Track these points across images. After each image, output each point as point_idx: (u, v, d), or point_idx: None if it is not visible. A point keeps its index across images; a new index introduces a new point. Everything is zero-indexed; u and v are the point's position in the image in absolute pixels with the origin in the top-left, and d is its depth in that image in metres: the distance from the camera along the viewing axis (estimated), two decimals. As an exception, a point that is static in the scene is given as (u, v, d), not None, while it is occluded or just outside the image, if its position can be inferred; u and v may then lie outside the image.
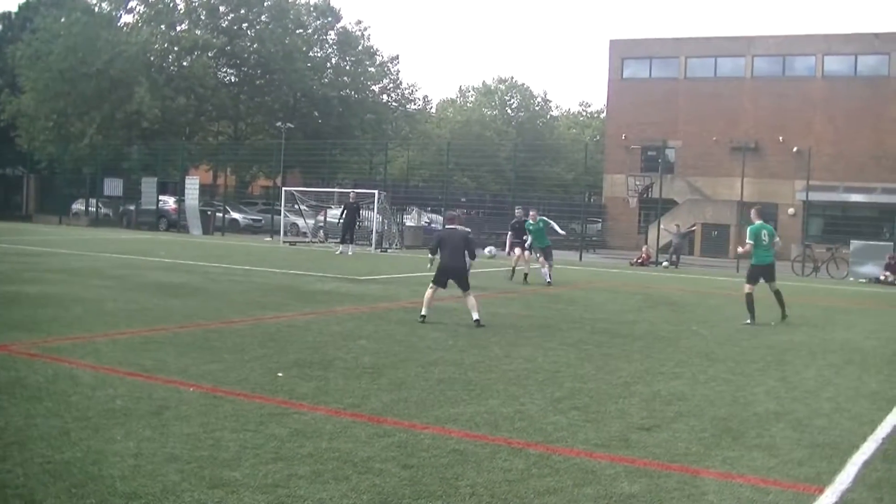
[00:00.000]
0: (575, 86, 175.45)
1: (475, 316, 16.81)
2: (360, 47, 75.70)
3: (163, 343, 13.36)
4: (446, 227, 18.48)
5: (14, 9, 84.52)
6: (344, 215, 39.58)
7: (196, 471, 7.21)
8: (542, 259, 28.15)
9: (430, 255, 17.94)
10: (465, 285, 17.26)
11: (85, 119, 65.51)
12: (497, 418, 9.41)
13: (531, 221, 28.06)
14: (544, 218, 28.69)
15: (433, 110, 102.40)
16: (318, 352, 13.04)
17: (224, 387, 10.36)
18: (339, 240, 40.64)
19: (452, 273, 17.23)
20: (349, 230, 39.02)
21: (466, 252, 17.51)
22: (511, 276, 28.40)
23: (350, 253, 37.88)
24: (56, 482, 6.85)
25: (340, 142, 62.67)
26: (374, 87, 77.61)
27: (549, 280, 27.39)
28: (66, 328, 14.61)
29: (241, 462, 7.49)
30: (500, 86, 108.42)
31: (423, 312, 17.03)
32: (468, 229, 19.49)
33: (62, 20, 67.02)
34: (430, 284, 17.38)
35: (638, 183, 61.75)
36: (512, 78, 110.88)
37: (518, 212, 29.80)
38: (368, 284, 24.30)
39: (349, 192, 42.39)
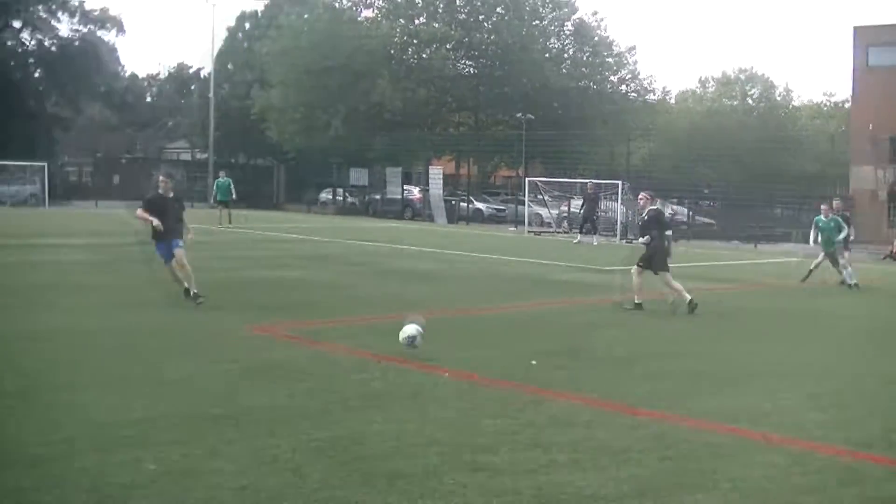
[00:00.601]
0: (817, 75, 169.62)
1: (670, 298, 16.72)
2: (596, 38, 75.11)
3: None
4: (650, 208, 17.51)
5: (260, 8, 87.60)
6: (583, 206, 39.54)
7: (456, 454, 7.33)
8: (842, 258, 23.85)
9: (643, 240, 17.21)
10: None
11: (330, 111, 67.17)
12: (754, 413, 9.20)
13: (823, 218, 23.93)
14: (836, 217, 23.81)
15: (672, 101, 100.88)
16: (567, 341, 13.04)
17: (478, 373, 10.49)
18: (579, 230, 40.53)
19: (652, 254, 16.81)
20: (588, 220, 38.94)
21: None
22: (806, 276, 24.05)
23: (594, 243, 37.72)
24: (322, 458, 7.11)
25: (581, 132, 62.40)
26: (612, 78, 76.87)
27: (852, 282, 23.31)
28: (323, 312, 15.11)
29: (500, 447, 7.56)
30: (741, 76, 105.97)
31: (636, 300, 16.77)
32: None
33: (305, 17, 68.97)
34: (636, 268, 17.06)
35: (887, 175, 59.27)
36: (752, 68, 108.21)
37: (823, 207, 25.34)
38: (614, 275, 24.14)
39: (587, 183, 42.22)
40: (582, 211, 39.84)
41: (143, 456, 6.98)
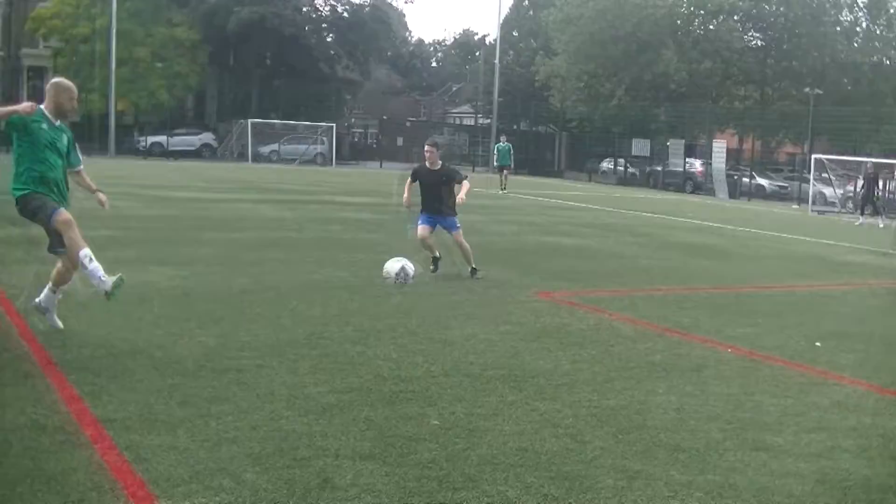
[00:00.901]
0: None
1: None
2: (892, 10, 71.76)
3: (697, 302, 13.43)
4: None
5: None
6: (863, 187, 38.00)
7: (738, 432, 7.17)
8: None
9: None
10: None
11: (614, 80, 66.90)
12: None
13: None
14: None
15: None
16: (857, 324, 12.53)
17: (761, 351, 10.24)
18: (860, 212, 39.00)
19: None
20: (868, 202, 37.39)
21: None
22: None
23: (880, 225, 36.21)
24: (602, 426, 7.09)
25: (871, 109, 59.93)
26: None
27: None
28: (604, 281, 15.11)
29: (783, 428, 7.35)
30: None
31: None
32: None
33: (592, -15, 68.81)
34: None
35: None
36: None
37: None
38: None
39: (866, 162, 40.45)
40: (861, 192, 38.36)
41: (427, 411, 7.15)
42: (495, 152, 41.42)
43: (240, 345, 8.89)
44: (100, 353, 8.29)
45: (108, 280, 8.49)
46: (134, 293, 11.00)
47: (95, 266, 8.45)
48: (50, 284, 9.00)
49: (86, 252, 8.43)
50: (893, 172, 42.78)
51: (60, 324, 9.07)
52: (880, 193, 39.32)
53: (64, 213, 8.46)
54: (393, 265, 12.31)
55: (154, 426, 6.42)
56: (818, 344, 10.84)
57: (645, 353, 9.67)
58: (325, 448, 6.19)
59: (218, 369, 7.99)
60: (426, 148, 14.44)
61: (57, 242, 8.67)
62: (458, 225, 14.50)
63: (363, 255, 15.66)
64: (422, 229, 14.30)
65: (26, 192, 8.53)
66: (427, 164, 14.44)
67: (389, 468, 5.91)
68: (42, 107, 8.75)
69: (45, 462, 5.66)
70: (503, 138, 43.15)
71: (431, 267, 14.49)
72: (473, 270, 14.32)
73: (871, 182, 37.45)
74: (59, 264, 8.89)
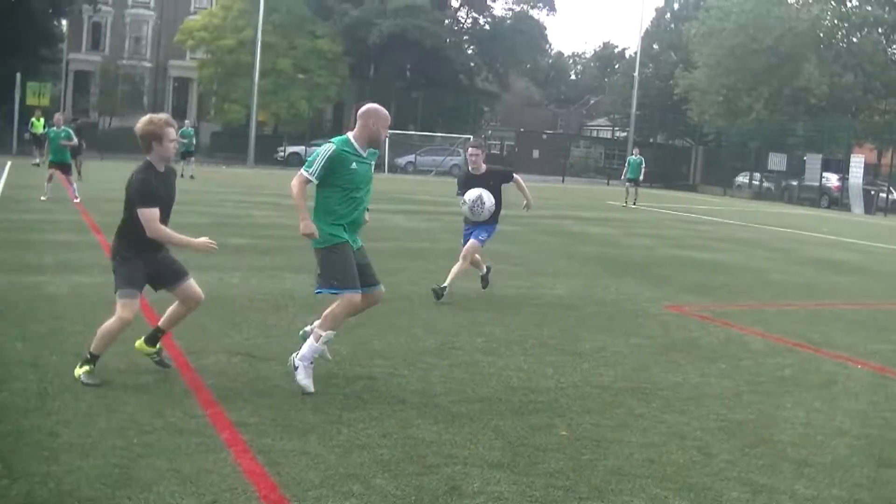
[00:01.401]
0: None
1: None
2: None
3: (829, 318, 13.29)
4: None
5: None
6: None
7: (866, 448, 7.16)
8: None
9: None
10: None
11: (753, 94, 66.07)
12: None
13: None
14: None
15: None
16: None
17: (894, 368, 10.15)
18: None
19: None
20: None
21: None
22: None
23: None
24: (730, 439, 7.14)
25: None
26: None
27: None
28: (735, 295, 15.04)
29: (913, 446, 7.34)
30: None
31: None
32: None
33: (734, -1, 68.12)
34: None
35: None
36: None
37: None
38: None
39: None
40: None
41: (556, 422, 7.26)
42: (627, 165, 41.16)
43: (372, 353, 9.13)
44: (236, 359, 8.59)
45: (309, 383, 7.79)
46: (270, 300, 11.36)
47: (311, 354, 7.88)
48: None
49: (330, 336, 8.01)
50: None
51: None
52: None
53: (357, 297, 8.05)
54: (472, 193, 12.17)
55: (287, 431, 6.66)
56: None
57: (774, 368, 9.66)
58: (454, 456, 6.35)
59: (350, 376, 8.22)
60: (469, 151, 13.10)
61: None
62: (484, 238, 12.95)
63: (497, 266, 15.78)
64: (470, 245, 12.92)
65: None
66: (471, 168, 12.98)
67: (517, 477, 6.04)
68: (349, 134, 8.20)
69: (181, 463, 5.92)
70: (636, 151, 42.91)
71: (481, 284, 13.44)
72: (442, 290, 12.50)
73: None
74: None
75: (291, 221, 21.66)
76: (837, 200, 55.85)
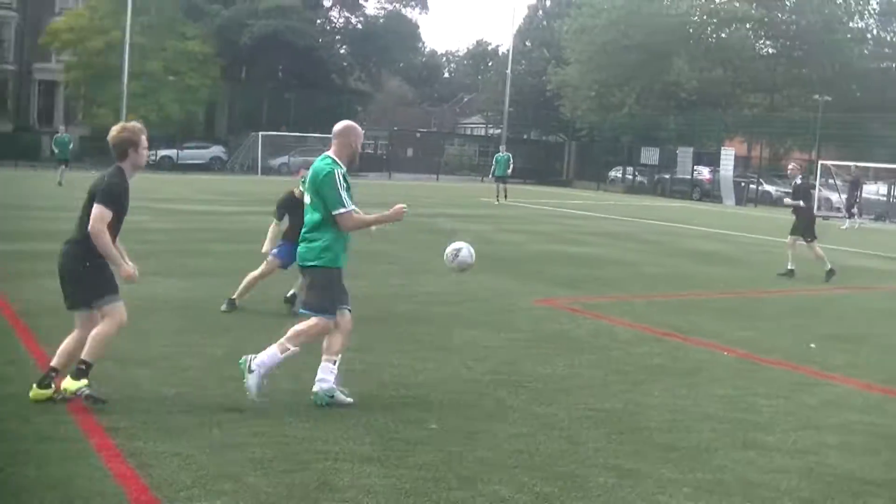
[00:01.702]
0: None
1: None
2: (903, 16, 71.74)
3: (698, 307, 13.63)
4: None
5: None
6: (848, 190, 38.50)
7: (729, 431, 7.40)
8: None
9: None
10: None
11: (624, 89, 67.01)
12: None
13: None
14: None
15: None
16: (851, 327, 12.74)
17: (758, 354, 10.45)
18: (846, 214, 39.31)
19: None
20: (851, 204, 37.87)
21: None
22: None
23: (843, 227, 36.25)
24: (597, 428, 7.31)
25: (880, 115, 59.86)
26: (920, 59, 73.22)
27: None
28: (605, 287, 15.33)
29: (773, 426, 7.59)
30: None
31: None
32: None
33: (607, -5, 69.03)
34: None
35: None
36: None
37: None
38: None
39: (851, 166, 40.75)
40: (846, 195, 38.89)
41: (427, 416, 7.36)
42: (494, 163, 41.03)
43: (245, 354, 9.07)
44: (107, 364, 8.45)
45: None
46: (143, 306, 11.23)
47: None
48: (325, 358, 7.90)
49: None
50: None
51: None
52: (858, 198, 39.79)
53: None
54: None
55: (158, 434, 6.63)
56: (812, 345, 11.03)
57: (642, 357, 9.88)
58: (326, 452, 6.40)
59: (223, 378, 8.20)
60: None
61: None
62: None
63: (372, 266, 15.79)
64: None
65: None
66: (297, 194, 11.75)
67: (387, 470, 6.12)
68: (331, 154, 7.89)
69: (50, 470, 5.86)
70: (502, 148, 42.98)
71: None
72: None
73: (854, 185, 38.00)
74: (334, 336, 7.89)
75: (164, 226, 21.46)
76: (709, 193, 56.98)
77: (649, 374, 9.14)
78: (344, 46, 78.59)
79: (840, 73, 68.22)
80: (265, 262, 11.89)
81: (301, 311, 8.24)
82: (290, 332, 7.83)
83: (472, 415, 7.46)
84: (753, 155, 65.28)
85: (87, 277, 7.38)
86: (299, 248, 7.89)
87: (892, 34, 71.44)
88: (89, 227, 7.24)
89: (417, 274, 15.53)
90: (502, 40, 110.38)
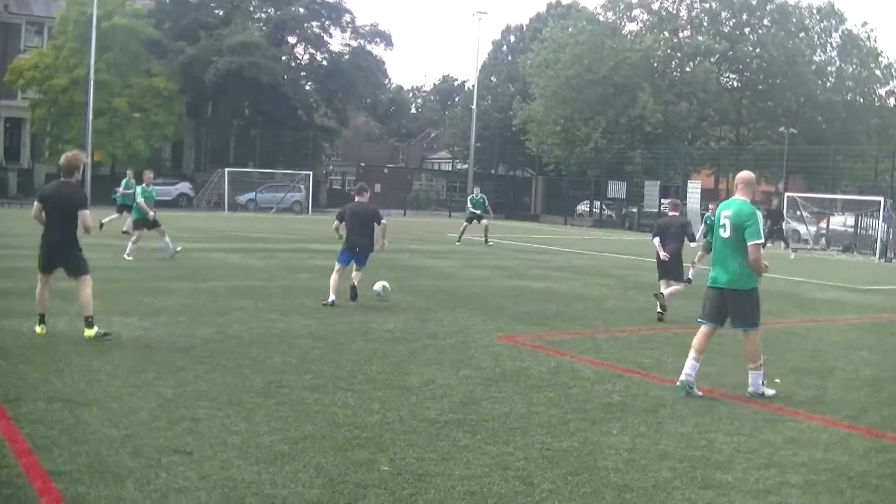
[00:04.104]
0: None
1: None
2: (864, 50, 72.46)
3: (661, 343, 13.52)
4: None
5: (525, 21, 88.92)
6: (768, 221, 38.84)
7: (688, 470, 7.27)
8: None
9: None
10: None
11: (590, 124, 67.34)
12: None
13: None
14: None
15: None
16: (816, 360, 12.67)
17: (720, 389, 10.36)
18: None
19: None
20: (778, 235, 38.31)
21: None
22: None
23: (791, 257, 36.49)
24: (553, 468, 7.16)
25: (844, 147, 60.39)
26: (880, 91, 74.00)
27: None
28: (568, 323, 15.17)
29: (734, 465, 7.46)
30: None
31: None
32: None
33: (569, 30, 69.31)
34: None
35: None
36: None
37: None
38: (871, 294, 23.27)
39: (772, 198, 41.11)
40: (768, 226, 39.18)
41: (379, 457, 7.19)
42: (468, 203, 40.21)
43: (197, 394, 8.91)
44: (56, 406, 8.30)
45: None
46: (94, 345, 11.04)
47: None
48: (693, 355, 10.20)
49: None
50: (877, 210, 43.14)
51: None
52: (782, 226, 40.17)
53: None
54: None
55: (103, 478, 6.44)
56: (777, 381, 10.92)
57: (602, 395, 9.75)
58: (273, 496, 6.24)
59: (173, 419, 8.01)
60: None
61: None
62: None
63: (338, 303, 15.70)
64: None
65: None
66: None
67: (335, 515, 5.95)
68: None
69: (-13, 516, 5.68)
70: (476, 190, 42.04)
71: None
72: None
73: (776, 216, 38.53)
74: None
75: (126, 263, 21.17)
76: (674, 226, 57.04)
77: (608, 412, 9.00)
78: (309, 83, 78.54)
79: (805, 105, 68.94)
80: None
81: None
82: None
83: (426, 455, 7.30)
84: (720, 188, 65.65)
85: (80, 257, 11.84)
86: None
87: (853, 67, 72.14)
88: (89, 228, 11.94)
89: (375, 311, 15.31)
90: (468, 75, 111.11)
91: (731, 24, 71.18)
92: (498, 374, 10.56)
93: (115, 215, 31.36)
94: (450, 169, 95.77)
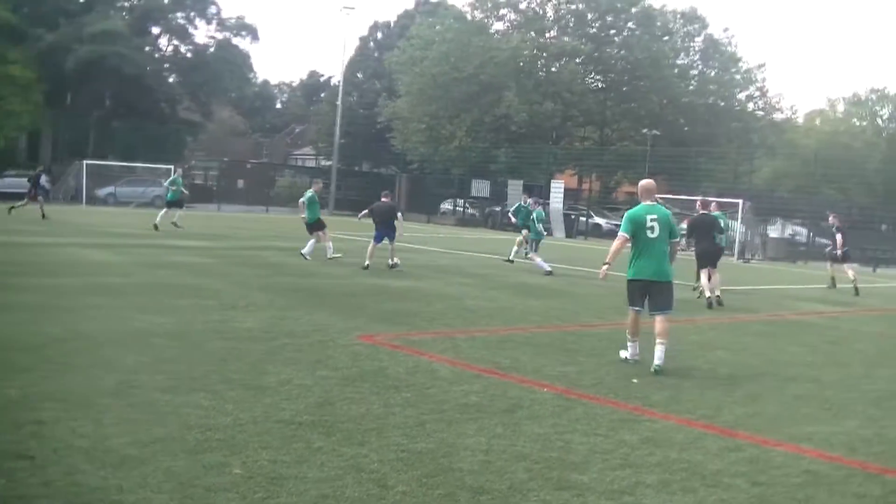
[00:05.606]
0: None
1: None
2: (725, 54, 74.25)
3: (520, 343, 13.56)
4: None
5: (393, 18, 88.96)
6: None
7: (544, 471, 7.27)
8: None
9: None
10: None
11: (455, 122, 67.65)
12: (854, 440, 8.98)
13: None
14: None
15: (800, 121, 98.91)
16: (674, 360, 12.80)
17: (578, 389, 10.42)
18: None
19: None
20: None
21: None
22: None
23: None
24: (408, 470, 7.09)
25: (706, 150, 61.66)
26: (740, 95, 75.84)
27: None
28: (428, 323, 15.13)
29: (590, 466, 7.49)
30: (872, 96, 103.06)
31: None
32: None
33: (437, 28, 69.55)
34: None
35: None
36: (885, 88, 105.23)
37: None
38: (729, 294, 23.71)
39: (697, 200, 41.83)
40: None
41: (231, 460, 7.04)
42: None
43: (43, 396, 8.61)
44: None
45: None
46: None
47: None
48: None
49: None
50: (736, 211, 44.20)
51: None
52: None
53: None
54: None
55: (-65, 486, 6.17)
56: (635, 381, 11.06)
57: (460, 395, 9.71)
58: (120, 502, 6.07)
59: (17, 422, 7.72)
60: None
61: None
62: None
63: (188, 301, 15.41)
64: None
65: None
66: None
67: (182, 521, 5.80)
68: None
69: None
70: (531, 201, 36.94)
71: None
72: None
73: None
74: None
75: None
76: (540, 224, 57.63)
77: (465, 413, 8.96)
78: (173, 75, 77.49)
79: (668, 107, 70.27)
80: None
81: None
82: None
83: (279, 458, 7.16)
84: (584, 188, 66.51)
85: None
86: None
87: (714, 70, 73.79)
88: None
89: (234, 310, 15.04)
90: (335, 71, 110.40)
91: (596, 25, 72.17)
92: (355, 374, 10.45)
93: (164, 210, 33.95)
94: (314, 165, 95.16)
